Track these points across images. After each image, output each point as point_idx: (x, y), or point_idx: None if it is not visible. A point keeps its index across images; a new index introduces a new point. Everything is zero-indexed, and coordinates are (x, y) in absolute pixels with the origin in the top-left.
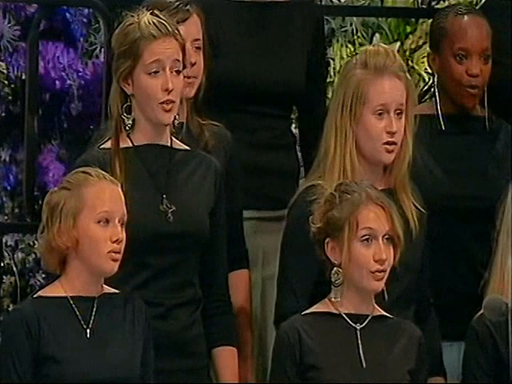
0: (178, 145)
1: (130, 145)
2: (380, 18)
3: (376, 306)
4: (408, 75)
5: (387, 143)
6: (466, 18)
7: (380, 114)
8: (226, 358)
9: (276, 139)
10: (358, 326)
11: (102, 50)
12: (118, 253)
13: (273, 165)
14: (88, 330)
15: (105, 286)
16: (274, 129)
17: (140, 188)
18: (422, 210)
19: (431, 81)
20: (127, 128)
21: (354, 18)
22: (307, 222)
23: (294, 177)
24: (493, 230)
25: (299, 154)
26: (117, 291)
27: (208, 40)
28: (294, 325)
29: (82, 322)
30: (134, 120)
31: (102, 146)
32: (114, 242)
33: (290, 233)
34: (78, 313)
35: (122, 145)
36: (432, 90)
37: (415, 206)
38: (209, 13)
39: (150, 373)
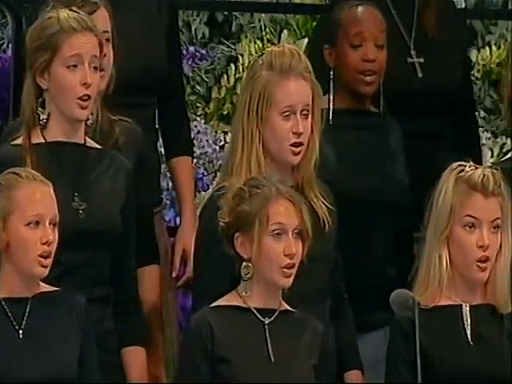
0: (91, 143)
1: (43, 141)
2: (288, 15)
3: (282, 301)
4: (313, 75)
5: (294, 145)
6: (359, 8)
7: (287, 116)
8: (134, 358)
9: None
10: (267, 321)
11: (10, 45)
12: (48, 256)
13: None
14: (21, 331)
15: (43, 284)
16: (137, 119)
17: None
18: (330, 206)
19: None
20: (41, 123)
21: (263, 15)
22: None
23: (155, 166)
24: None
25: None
26: (55, 289)
27: None
28: (205, 317)
29: (15, 323)
30: (48, 116)
31: (14, 142)
32: (43, 244)
33: (203, 238)
34: (10, 314)
35: (35, 141)
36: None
37: (324, 203)
38: None
39: (91, 370)
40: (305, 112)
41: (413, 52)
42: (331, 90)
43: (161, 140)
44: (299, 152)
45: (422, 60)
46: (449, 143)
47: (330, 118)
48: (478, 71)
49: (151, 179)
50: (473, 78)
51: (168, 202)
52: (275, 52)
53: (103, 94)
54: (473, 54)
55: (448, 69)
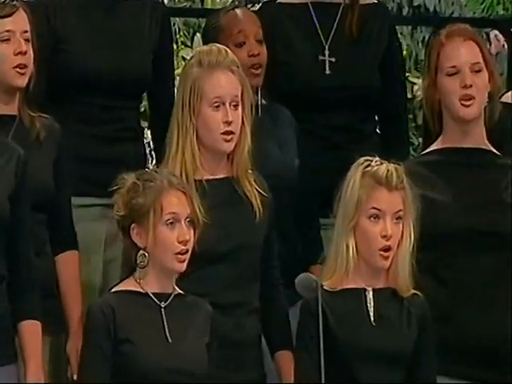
0: None
1: None
2: (200, 19)
3: (175, 286)
4: (241, 69)
5: (225, 133)
6: (237, 11)
7: (217, 107)
8: (30, 332)
9: (122, 131)
10: (163, 304)
11: None
12: None
13: (118, 156)
14: None
15: None
16: (121, 121)
17: None
18: (264, 193)
19: None
20: None
21: (177, 19)
22: None
23: (140, 167)
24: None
25: (148, 145)
26: None
27: (54, 34)
28: (107, 302)
29: None
30: None
31: None
32: None
33: None
34: None
35: None
36: None
37: (258, 190)
38: (55, 8)
39: None
40: (234, 103)
41: (326, 52)
42: None
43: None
44: (230, 140)
45: (333, 59)
46: (359, 136)
47: None
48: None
49: (69, 172)
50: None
51: None
52: (203, 50)
53: (24, 92)
54: None
55: (359, 68)
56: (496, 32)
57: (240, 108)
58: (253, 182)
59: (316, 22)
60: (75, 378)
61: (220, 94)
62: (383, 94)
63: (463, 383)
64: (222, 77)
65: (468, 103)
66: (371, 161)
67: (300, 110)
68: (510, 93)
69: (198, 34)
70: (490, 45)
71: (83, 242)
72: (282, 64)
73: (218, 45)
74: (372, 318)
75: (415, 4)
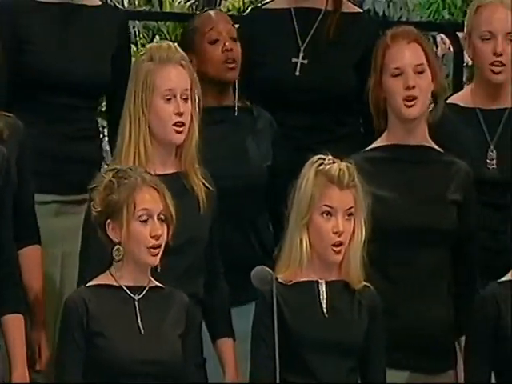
0: None
1: None
2: (159, 22)
3: (151, 278)
4: (191, 65)
5: (176, 124)
6: (210, 12)
7: (168, 99)
8: (13, 326)
9: (82, 130)
10: (137, 297)
11: None
12: None
13: (77, 154)
14: None
15: None
16: (81, 120)
17: None
18: (210, 187)
19: None
20: None
21: (137, 22)
22: None
23: (97, 165)
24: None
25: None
26: None
27: (17, 35)
28: (80, 296)
29: None
30: None
31: None
32: None
33: (91, 213)
34: None
35: None
36: None
37: (204, 184)
38: (19, 9)
39: None
40: (184, 96)
41: (301, 54)
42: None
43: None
44: (181, 131)
45: (306, 61)
46: (330, 137)
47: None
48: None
49: (31, 169)
50: None
51: None
52: (154, 47)
53: None
54: None
55: (332, 71)
56: (442, 35)
57: (189, 102)
58: (199, 176)
59: (296, 25)
60: (39, 367)
61: (171, 87)
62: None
63: (404, 373)
64: (173, 71)
65: (411, 103)
66: (324, 159)
67: (273, 111)
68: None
69: (157, 37)
70: (437, 47)
71: (42, 236)
72: (258, 65)
73: (168, 42)
74: (325, 310)
75: (365, 8)
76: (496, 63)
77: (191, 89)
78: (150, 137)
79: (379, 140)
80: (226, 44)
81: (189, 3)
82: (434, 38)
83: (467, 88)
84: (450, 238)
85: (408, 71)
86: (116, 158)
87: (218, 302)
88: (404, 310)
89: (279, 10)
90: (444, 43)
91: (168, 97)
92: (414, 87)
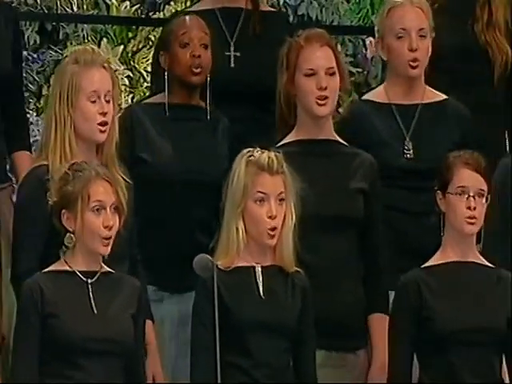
0: None
1: None
2: (106, 25)
3: (103, 264)
4: (113, 66)
5: (100, 124)
6: (186, 17)
7: (93, 100)
8: None
9: None
10: (89, 281)
11: None
12: None
13: None
14: None
15: None
16: None
17: None
18: (128, 180)
19: (149, 78)
20: None
21: (85, 25)
22: (39, 197)
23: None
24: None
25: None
26: None
27: None
28: (35, 281)
29: None
30: None
31: None
32: None
33: (24, 206)
34: None
35: None
36: (153, 86)
37: (123, 178)
38: None
39: None
40: (107, 97)
41: (232, 47)
42: (166, 88)
43: None
44: (105, 130)
45: (238, 54)
46: (260, 126)
47: (167, 111)
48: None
49: None
50: None
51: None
52: (79, 50)
53: None
54: None
55: (261, 63)
56: (371, 38)
57: (111, 103)
58: (118, 169)
59: (222, 23)
60: None
61: (96, 89)
62: None
63: (320, 351)
64: (97, 73)
65: (323, 102)
66: (253, 150)
67: (214, 104)
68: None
69: (104, 39)
70: (366, 50)
71: None
72: None
73: (92, 45)
74: (261, 292)
75: (300, 13)
76: (412, 59)
77: (113, 90)
78: (74, 135)
79: (290, 135)
80: (195, 50)
81: (134, 8)
82: (364, 41)
83: (380, 86)
84: (357, 224)
85: (321, 73)
86: (42, 155)
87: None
88: (317, 293)
89: (205, 11)
90: (372, 46)
91: (93, 98)
92: (326, 88)
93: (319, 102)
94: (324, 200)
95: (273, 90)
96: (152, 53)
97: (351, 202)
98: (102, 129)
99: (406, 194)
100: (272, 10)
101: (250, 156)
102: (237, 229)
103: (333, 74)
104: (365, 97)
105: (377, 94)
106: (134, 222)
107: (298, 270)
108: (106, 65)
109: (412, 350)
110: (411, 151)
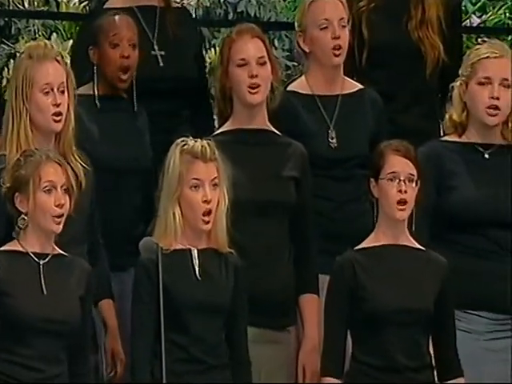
0: None
1: None
2: (56, 21)
3: (55, 247)
4: (66, 61)
5: (54, 114)
6: (116, 17)
7: (46, 92)
8: None
9: None
10: (42, 262)
11: None
12: None
13: None
14: None
15: None
16: None
17: None
18: (87, 167)
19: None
20: None
21: (36, 20)
22: None
23: None
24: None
25: None
26: None
27: None
28: None
29: None
30: None
31: None
32: None
33: None
34: None
35: None
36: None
37: (81, 165)
38: None
39: None
40: (61, 88)
41: (155, 47)
42: (95, 81)
43: None
44: (60, 120)
45: (163, 53)
46: (186, 121)
47: (97, 103)
48: (206, 67)
49: None
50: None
51: None
52: (32, 45)
53: None
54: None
55: (183, 61)
56: None
57: (66, 94)
58: (76, 157)
59: (142, 22)
60: None
61: (49, 81)
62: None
63: (253, 329)
64: (50, 66)
65: (254, 91)
66: (187, 140)
67: (143, 101)
68: (295, 82)
69: (54, 34)
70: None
71: None
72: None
73: (45, 40)
74: (197, 274)
75: (239, 10)
76: (336, 46)
77: (67, 81)
78: (30, 126)
79: (225, 125)
80: (125, 51)
81: (82, 5)
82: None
83: (301, 77)
84: (288, 210)
85: (252, 62)
86: (1, 147)
87: (98, 269)
88: (250, 274)
89: (122, 9)
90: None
91: (46, 90)
92: (256, 76)
93: (251, 90)
94: (257, 187)
95: (196, 86)
96: (74, 43)
97: (283, 188)
98: (57, 119)
99: (332, 183)
100: (178, 6)
101: (184, 145)
102: (173, 214)
103: (264, 63)
104: (289, 88)
105: (300, 85)
106: (95, 208)
107: (231, 250)
108: (58, 58)
109: (346, 328)
110: (335, 140)
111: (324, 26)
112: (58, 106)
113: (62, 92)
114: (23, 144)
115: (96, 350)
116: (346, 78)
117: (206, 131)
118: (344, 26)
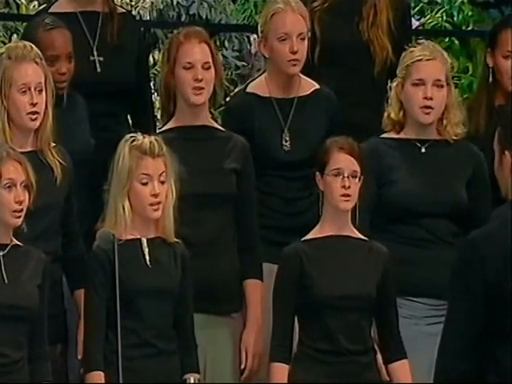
0: None
1: None
2: (16, 22)
3: (13, 238)
4: (43, 61)
5: (31, 113)
6: (52, 31)
7: (24, 92)
8: None
9: None
10: (1, 253)
11: None
12: None
13: None
14: None
15: None
16: None
17: None
18: (64, 163)
19: None
20: None
21: None
22: None
23: None
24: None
25: None
26: None
27: None
28: None
29: None
30: None
31: None
32: None
33: None
34: None
35: None
36: None
37: (59, 161)
38: None
39: None
40: (39, 88)
41: (95, 52)
42: None
43: None
44: (36, 119)
45: (101, 58)
46: (124, 120)
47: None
48: (150, 70)
49: None
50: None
51: None
52: (11, 46)
53: None
54: (155, 54)
55: (122, 67)
56: (255, 35)
57: (44, 93)
58: (54, 154)
59: (84, 27)
60: None
61: (26, 81)
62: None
63: (202, 315)
64: (28, 67)
65: (199, 92)
66: (136, 136)
67: (88, 101)
68: (254, 82)
69: (14, 35)
70: (251, 46)
71: None
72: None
73: (25, 41)
74: (148, 262)
75: (191, 12)
76: (293, 59)
77: (45, 81)
78: (8, 123)
79: (169, 123)
80: (62, 67)
81: (42, 7)
82: (249, 38)
83: (261, 78)
84: (231, 200)
85: (197, 66)
86: None
87: (75, 258)
88: (195, 263)
89: (65, 13)
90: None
91: (23, 89)
92: (201, 80)
93: (195, 92)
94: (201, 180)
95: (136, 89)
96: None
97: (225, 180)
98: (33, 117)
99: (283, 182)
100: (123, 11)
101: (133, 141)
102: (123, 206)
103: (208, 68)
104: (248, 89)
105: (259, 87)
106: (73, 203)
107: (178, 240)
108: (37, 59)
109: (294, 314)
110: (288, 143)
111: (283, 38)
112: (34, 105)
113: (40, 91)
114: (1, 140)
115: (66, 337)
116: (302, 76)
117: (146, 131)
118: (303, 39)
